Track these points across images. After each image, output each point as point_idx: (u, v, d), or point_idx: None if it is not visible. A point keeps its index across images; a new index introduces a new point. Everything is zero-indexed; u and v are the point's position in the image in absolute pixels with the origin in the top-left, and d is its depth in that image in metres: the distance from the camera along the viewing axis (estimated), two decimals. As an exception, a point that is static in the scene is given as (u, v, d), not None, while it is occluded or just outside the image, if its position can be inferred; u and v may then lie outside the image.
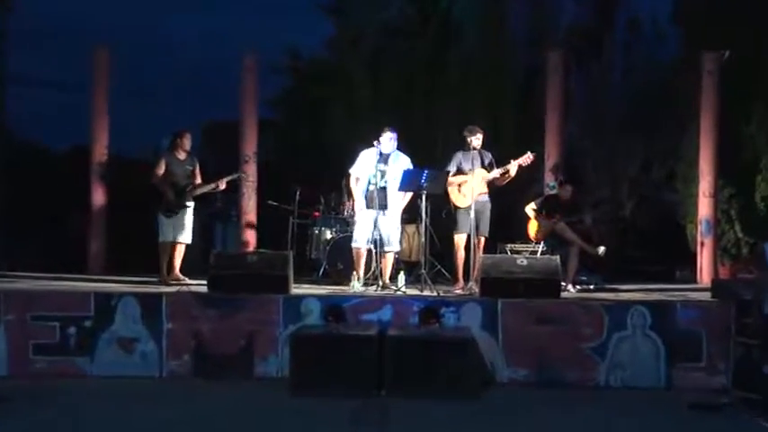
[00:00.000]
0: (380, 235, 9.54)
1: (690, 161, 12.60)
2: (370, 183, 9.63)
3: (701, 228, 11.65)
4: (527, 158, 9.56)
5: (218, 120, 16.08)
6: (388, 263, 9.71)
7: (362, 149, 9.79)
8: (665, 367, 8.11)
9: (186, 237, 10.17)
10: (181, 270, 10.11)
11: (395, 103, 14.56)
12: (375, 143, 9.61)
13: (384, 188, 9.60)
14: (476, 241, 9.51)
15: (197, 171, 10.30)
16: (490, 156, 9.83)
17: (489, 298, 8.36)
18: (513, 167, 9.57)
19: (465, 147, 9.78)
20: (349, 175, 9.86)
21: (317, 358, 7.52)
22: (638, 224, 14.32)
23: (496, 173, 9.63)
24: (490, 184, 9.73)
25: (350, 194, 10.34)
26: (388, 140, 9.63)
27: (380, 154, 9.60)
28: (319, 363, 7.50)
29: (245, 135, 11.83)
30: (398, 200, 9.71)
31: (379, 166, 9.60)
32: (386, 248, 9.64)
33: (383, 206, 9.55)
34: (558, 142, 11.83)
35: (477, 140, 9.74)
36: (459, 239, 9.73)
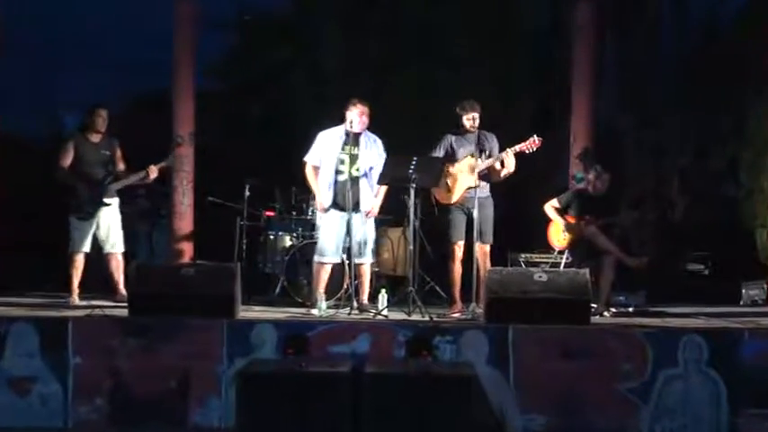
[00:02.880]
0: (353, 242, 9.58)
1: (759, 146, 12.70)
2: (338, 173, 9.68)
3: (776, 233, 11.75)
4: (530, 144, 9.61)
5: (144, 91, 16.06)
6: (364, 278, 9.74)
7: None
8: (726, 415, 8.15)
9: (117, 245, 10.22)
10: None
11: (375, 70, 14.59)
12: (348, 123, 9.65)
13: (357, 180, 9.66)
14: (479, 251, 9.55)
15: (118, 156, 10.31)
16: (494, 139, 9.91)
17: (497, 324, 8.39)
18: (508, 158, 9.62)
19: (458, 127, 9.83)
20: (305, 163, 9.89)
21: (273, 403, 7.51)
22: (693, 228, 14.39)
23: (485, 164, 9.70)
24: (485, 177, 9.79)
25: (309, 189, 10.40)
26: (357, 117, 9.66)
27: (347, 135, 9.66)
28: (275, 409, 7.49)
29: (179, 111, 11.85)
30: (371, 195, 9.80)
31: (349, 151, 9.66)
32: (361, 260, 9.69)
33: (356, 204, 9.60)
34: (588, 122, 11.91)
35: (471, 120, 9.80)
36: (454, 248, 9.80)
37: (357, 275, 9.73)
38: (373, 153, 9.72)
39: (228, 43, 17.01)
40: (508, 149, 9.63)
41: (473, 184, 9.66)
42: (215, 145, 14.58)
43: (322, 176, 9.77)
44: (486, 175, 9.80)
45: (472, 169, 9.69)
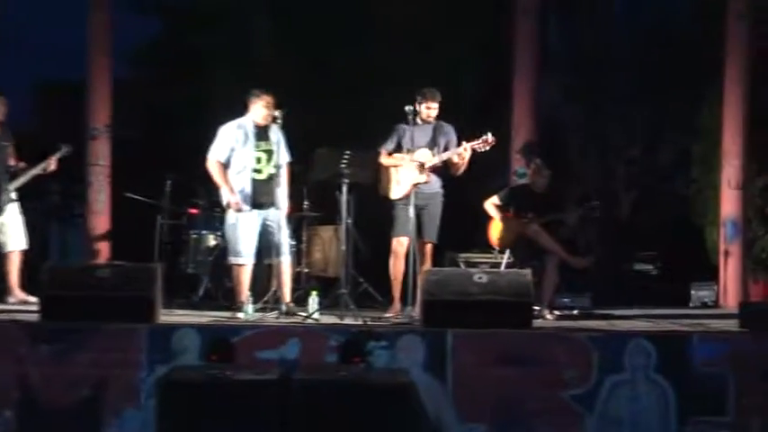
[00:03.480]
0: (274, 241, 9.62)
1: (711, 139, 12.82)
2: (256, 171, 9.71)
3: (726, 231, 11.87)
4: (483, 143, 9.63)
5: (55, 78, 15.91)
6: (285, 276, 9.78)
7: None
8: (675, 423, 8.20)
9: (16, 242, 10.13)
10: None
11: (311, 59, 14.55)
12: (255, 117, 9.66)
13: (272, 177, 9.71)
14: (419, 249, 9.57)
15: (10, 151, 10.19)
16: (452, 131, 9.92)
17: (435, 328, 8.38)
18: (467, 153, 9.62)
19: (413, 118, 9.79)
20: (208, 160, 9.86)
21: (196, 413, 7.47)
22: (640, 226, 14.53)
23: (438, 158, 9.72)
24: (439, 171, 9.80)
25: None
26: (260, 110, 9.68)
27: (256, 128, 9.69)
28: (198, 420, 7.45)
29: (94, 101, 11.78)
30: (285, 192, 9.87)
31: (264, 147, 9.69)
32: (278, 259, 9.74)
33: (272, 202, 9.68)
34: (530, 113, 11.97)
35: (427, 108, 9.80)
36: (397, 245, 9.81)
37: (277, 275, 9.74)
38: (283, 147, 9.74)
39: (150, 29, 16.91)
40: (466, 144, 9.63)
41: (422, 180, 9.68)
42: (134, 137, 14.48)
43: (236, 174, 9.75)
44: (441, 168, 9.80)
45: (422, 164, 9.69)
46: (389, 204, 9.88)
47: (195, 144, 13.80)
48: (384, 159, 9.79)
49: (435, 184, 9.87)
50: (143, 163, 12.82)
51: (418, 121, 9.83)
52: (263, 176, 9.64)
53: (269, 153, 9.68)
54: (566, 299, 10.63)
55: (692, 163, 14.00)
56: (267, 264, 9.96)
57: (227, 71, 15.16)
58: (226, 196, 9.78)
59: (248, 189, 9.68)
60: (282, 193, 9.80)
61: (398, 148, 9.83)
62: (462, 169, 9.76)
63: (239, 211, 9.71)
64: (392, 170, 9.79)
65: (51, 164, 10.18)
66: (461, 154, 9.64)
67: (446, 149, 9.78)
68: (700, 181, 13.72)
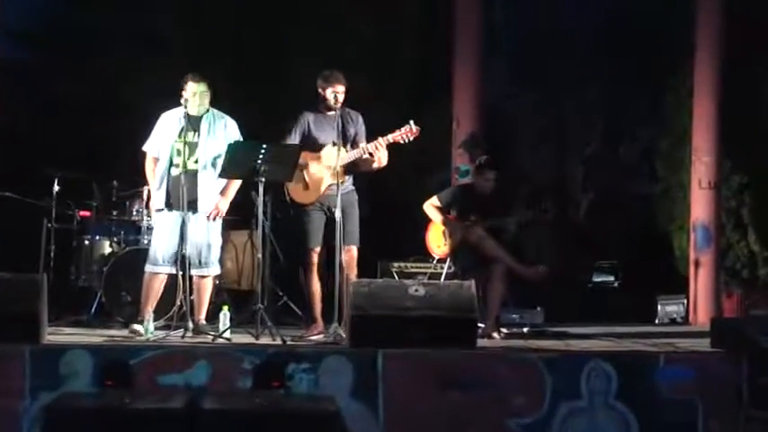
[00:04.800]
0: (190, 249, 9.55)
1: (678, 132, 12.94)
2: (172, 164, 9.65)
3: (696, 237, 11.98)
4: (406, 133, 9.62)
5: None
6: (203, 293, 9.77)
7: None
8: (638, 456, 8.29)
9: None
10: None
11: (226, 35, 14.52)
12: (184, 104, 9.63)
13: (195, 173, 9.63)
14: (343, 257, 9.57)
15: None
16: (359, 120, 9.93)
17: (365, 348, 8.39)
18: (380, 151, 9.62)
19: (319, 105, 9.79)
20: (145, 154, 9.85)
21: (88, 447, 7.43)
22: (599, 231, 14.62)
23: (349, 156, 9.71)
24: (349, 168, 9.80)
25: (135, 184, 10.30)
26: (193, 96, 9.64)
27: (187, 117, 9.62)
28: (91, 454, 7.41)
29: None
30: (216, 192, 9.74)
31: (185, 138, 9.62)
32: (200, 270, 9.68)
33: (193, 203, 9.57)
34: (474, 102, 12.04)
35: (334, 93, 9.77)
36: (312, 256, 9.82)
37: (194, 290, 9.68)
38: (219, 139, 9.67)
39: (39, 4, 16.73)
40: (380, 139, 9.62)
41: (335, 181, 9.63)
42: (16, 127, 14.31)
43: (157, 170, 9.77)
44: (351, 164, 9.79)
45: (332, 162, 9.65)
46: (299, 210, 9.85)
47: (90, 136, 13.82)
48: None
49: (348, 182, 9.89)
50: (27, 157, 12.68)
51: (322, 109, 9.83)
52: (177, 172, 9.57)
53: (191, 146, 9.63)
54: (514, 314, 10.68)
55: (657, 159, 14.10)
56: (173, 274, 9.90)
57: (128, 54, 15.05)
58: (153, 195, 9.83)
59: (165, 187, 9.68)
60: (210, 193, 9.70)
61: (303, 140, 9.79)
62: (378, 165, 9.74)
63: (156, 212, 9.73)
64: (301, 172, 9.72)
65: None
66: (374, 152, 9.63)
67: (355, 141, 9.78)
68: (666, 180, 13.84)
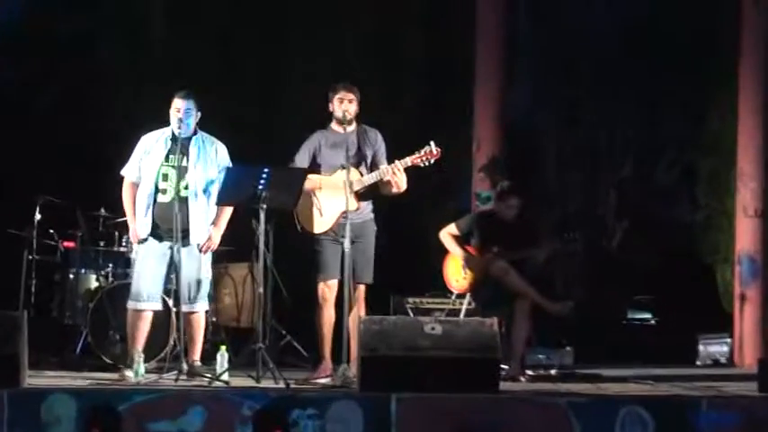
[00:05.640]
0: (181, 283, 9.55)
1: (723, 153, 12.90)
2: (159, 191, 9.63)
3: (742, 269, 11.92)
4: (426, 156, 9.60)
5: None
6: (197, 330, 9.76)
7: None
8: None
9: None
10: None
11: (220, 44, 14.54)
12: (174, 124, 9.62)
13: (185, 200, 9.62)
14: (352, 293, 9.54)
15: None
16: (378, 138, 9.91)
17: (376, 392, 8.34)
18: (398, 176, 9.58)
19: (331, 122, 9.80)
20: (122, 178, 9.84)
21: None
22: (634, 262, 14.58)
23: (367, 179, 9.68)
24: (365, 193, 9.77)
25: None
26: (176, 114, 9.61)
27: (174, 139, 9.62)
28: None
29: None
30: (208, 221, 9.74)
31: (174, 162, 9.63)
32: (191, 306, 9.67)
33: (184, 232, 9.56)
34: (496, 122, 12.03)
35: (347, 106, 9.75)
36: (325, 290, 9.79)
37: (186, 328, 9.65)
38: (210, 164, 9.66)
39: (10, 9, 16.78)
40: (398, 162, 9.59)
41: (351, 207, 9.58)
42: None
43: (140, 195, 9.72)
44: (369, 190, 9.76)
45: (347, 185, 9.59)
46: (311, 240, 9.81)
47: (73, 157, 13.81)
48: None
49: (366, 209, 9.85)
50: (4, 182, 12.70)
51: (334, 126, 9.83)
52: (166, 199, 9.56)
53: (180, 170, 9.59)
54: (541, 355, 10.64)
55: (698, 184, 14.05)
56: (167, 311, 9.87)
57: (111, 64, 15.07)
58: (130, 224, 9.78)
59: (151, 215, 9.64)
60: (201, 222, 9.68)
61: (314, 162, 9.77)
62: (396, 189, 9.70)
63: (140, 243, 9.68)
64: (312, 198, 9.70)
65: None
66: (392, 178, 9.58)
67: (374, 163, 9.73)
68: (708, 207, 13.79)
